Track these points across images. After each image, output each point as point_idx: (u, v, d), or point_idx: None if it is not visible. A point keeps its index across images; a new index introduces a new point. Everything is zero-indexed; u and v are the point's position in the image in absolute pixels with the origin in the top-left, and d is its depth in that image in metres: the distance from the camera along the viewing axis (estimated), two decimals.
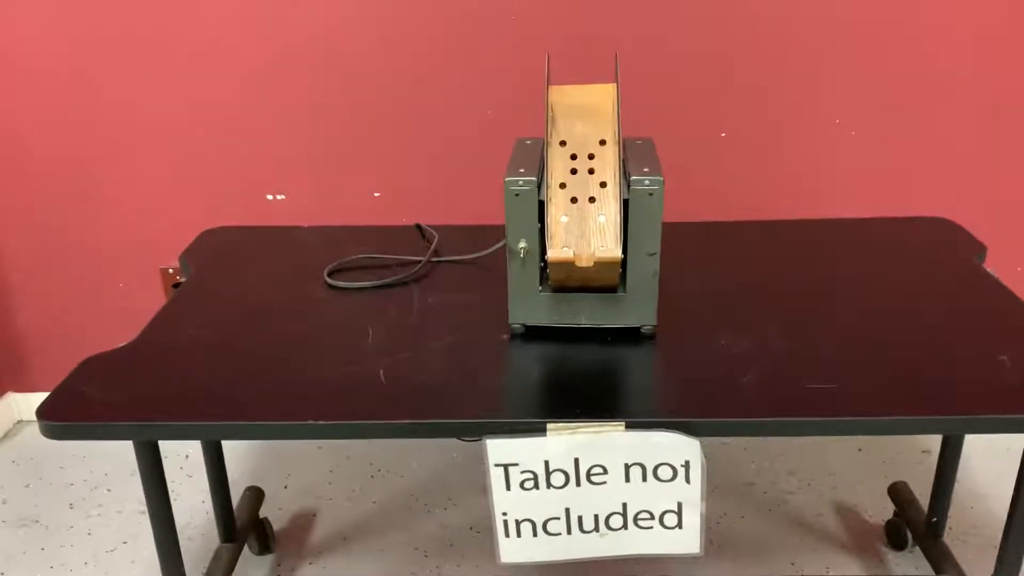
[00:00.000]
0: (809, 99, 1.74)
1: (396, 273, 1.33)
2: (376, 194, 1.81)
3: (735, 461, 1.82)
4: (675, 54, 1.71)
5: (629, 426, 0.96)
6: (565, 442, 0.96)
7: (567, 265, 1.05)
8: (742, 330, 1.14)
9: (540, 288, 1.12)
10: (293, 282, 1.31)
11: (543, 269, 1.12)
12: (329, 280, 1.31)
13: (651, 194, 1.06)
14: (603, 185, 1.14)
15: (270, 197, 1.82)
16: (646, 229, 1.07)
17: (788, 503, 1.70)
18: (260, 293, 1.29)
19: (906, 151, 1.77)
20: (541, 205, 1.08)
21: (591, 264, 1.03)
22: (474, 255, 1.37)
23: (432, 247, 1.40)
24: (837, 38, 1.69)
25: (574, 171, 1.12)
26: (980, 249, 1.36)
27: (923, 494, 1.59)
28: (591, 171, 1.13)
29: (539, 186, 1.07)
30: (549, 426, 0.96)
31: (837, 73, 1.72)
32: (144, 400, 1.03)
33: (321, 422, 0.98)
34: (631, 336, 1.13)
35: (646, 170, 1.07)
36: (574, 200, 1.09)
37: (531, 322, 1.14)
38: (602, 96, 1.19)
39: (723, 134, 1.77)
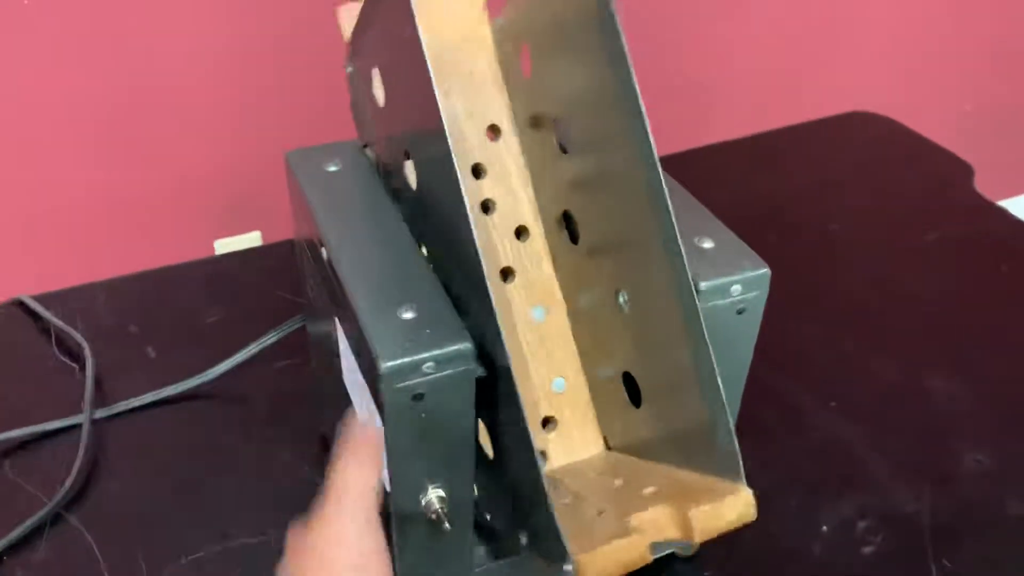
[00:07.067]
0: None
1: (8, 492, 0.55)
2: None
3: None
4: None
5: None
6: None
7: None
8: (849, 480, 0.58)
9: (477, 560, 0.46)
10: None
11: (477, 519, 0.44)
12: None
13: (741, 311, 0.42)
14: (520, 235, 0.48)
15: None
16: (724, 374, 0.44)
17: None
18: None
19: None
20: (491, 385, 0.39)
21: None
22: (209, 375, 0.62)
23: (88, 372, 0.62)
24: None
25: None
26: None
27: None
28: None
29: (482, 347, 0.38)
30: None
31: None
32: None
33: None
34: (659, 571, 0.52)
35: (708, 246, 0.43)
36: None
37: None
38: (466, 10, 0.50)
39: None
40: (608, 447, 0.48)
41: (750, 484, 0.58)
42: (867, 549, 0.53)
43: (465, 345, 0.37)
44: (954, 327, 0.70)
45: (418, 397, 0.37)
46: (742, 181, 0.87)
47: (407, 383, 0.36)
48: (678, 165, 0.90)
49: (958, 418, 0.62)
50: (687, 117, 1.20)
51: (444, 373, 0.37)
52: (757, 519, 0.56)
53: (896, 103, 1.02)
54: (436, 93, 0.36)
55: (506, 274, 0.48)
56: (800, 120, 0.96)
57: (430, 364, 0.36)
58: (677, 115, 1.18)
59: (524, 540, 0.40)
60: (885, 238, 0.80)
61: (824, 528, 0.54)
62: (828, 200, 0.85)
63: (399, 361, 0.36)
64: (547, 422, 0.47)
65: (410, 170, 0.43)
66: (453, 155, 0.36)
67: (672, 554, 0.52)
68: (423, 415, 0.37)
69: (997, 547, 0.54)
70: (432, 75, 0.36)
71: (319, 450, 0.58)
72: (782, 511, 0.55)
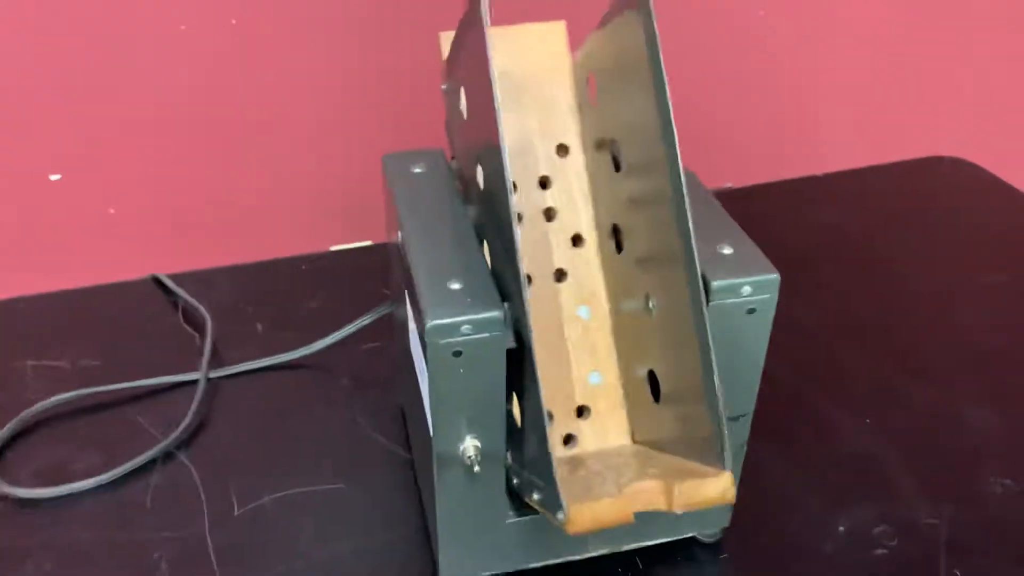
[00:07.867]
0: None
1: (134, 429, 0.65)
2: (111, 211, 1.05)
3: None
4: None
5: None
6: None
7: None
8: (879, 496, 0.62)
9: (509, 512, 0.53)
10: None
11: (510, 481, 0.51)
12: None
13: (752, 310, 0.48)
14: (576, 242, 0.55)
15: None
16: (734, 370, 0.50)
17: None
18: None
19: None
20: (513, 356, 0.46)
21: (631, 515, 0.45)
22: (306, 350, 0.72)
23: (207, 340, 0.73)
24: None
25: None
26: None
27: None
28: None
29: (507, 313, 0.45)
30: None
31: None
32: None
33: None
34: (679, 552, 0.58)
35: (727, 252, 0.49)
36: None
37: (489, 570, 0.55)
38: (551, 45, 0.58)
39: None
40: (635, 440, 0.54)
41: (774, 486, 0.63)
42: (879, 552, 0.57)
43: (497, 313, 0.44)
44: (1002, 364, 0.72)
45: (457, 354, 0.44)
46: (822, 214, 0.91)
47: (448, 340, 0.44)
48: (765, 195, 0.95)
49: (991, 446, 0.64)
50: (780, 149, 1.24)
51: (479, 336, 0.44)
52: (776, 516, 0.61)
53: (984, 147, 1.04)
54: (496, 112, 0.43)
55: (560, 275, 0.55)
56: (887, 160, 0.99)
57: (467, 326, 0.43)
58: (769, 146, 1.22)
59: (537, 496, 0.46)
60: (952, 277, 0.82)
61: (840, 528, 0.58)
62: (903, 238, 0.88)
63: (442, 321, 0.43)
64: (582, 410, 0.54)
65: (481, 176, 0.51)
66: (505, 167, 0.43)
67: (693, 538, 0.57)
68: (462, 371, 0.45)
69: (1011, 563, 0.57)
70: (496, 96, 0.44)
71: (391, 419, 0.66)
72: (802, 511, 0.60)
